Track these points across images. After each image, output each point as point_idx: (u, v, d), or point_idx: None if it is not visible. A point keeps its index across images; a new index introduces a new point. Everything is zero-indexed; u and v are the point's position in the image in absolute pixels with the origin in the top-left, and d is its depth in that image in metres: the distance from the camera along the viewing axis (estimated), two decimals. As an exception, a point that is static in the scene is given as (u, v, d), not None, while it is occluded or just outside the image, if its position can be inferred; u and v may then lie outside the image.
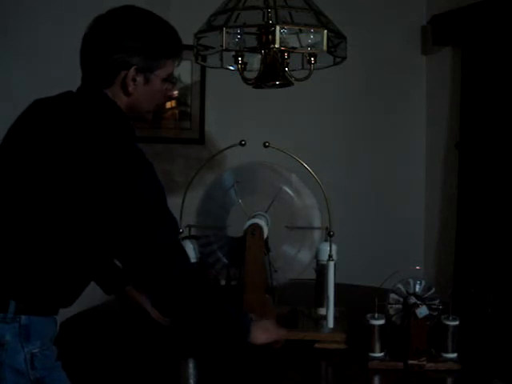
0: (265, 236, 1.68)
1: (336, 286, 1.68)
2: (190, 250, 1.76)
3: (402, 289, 1.52)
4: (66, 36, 2.57)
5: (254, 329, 1.48)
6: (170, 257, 1.34)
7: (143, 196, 1.28)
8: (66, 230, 1.27)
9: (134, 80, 1.36)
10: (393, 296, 1.52)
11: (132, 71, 1.35)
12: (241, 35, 1.80)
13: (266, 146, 1.68)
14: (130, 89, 1.36)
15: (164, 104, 1.47)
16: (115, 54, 1.34)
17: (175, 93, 1.54)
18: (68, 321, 1.79)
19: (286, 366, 1.53)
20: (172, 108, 3.01)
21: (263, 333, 1.50)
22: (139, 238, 1.29)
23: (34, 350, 1.27)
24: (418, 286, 1.51)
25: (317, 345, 1.62)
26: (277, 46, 1.70)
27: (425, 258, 3.46)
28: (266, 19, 1.76)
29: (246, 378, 1.49)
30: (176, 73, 3.21)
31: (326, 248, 1.70)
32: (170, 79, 1.44)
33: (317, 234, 1.76)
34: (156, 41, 1.38)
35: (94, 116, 1.33)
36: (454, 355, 1.50)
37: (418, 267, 1.95)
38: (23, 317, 1.26)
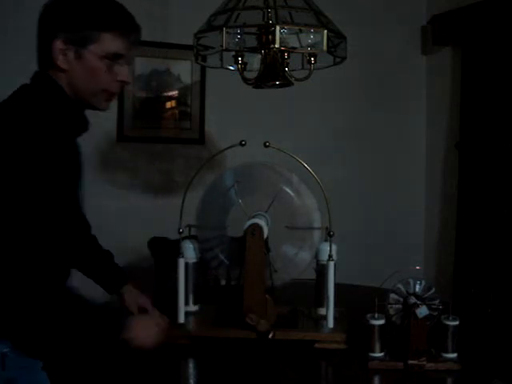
0: (265, 236, 1.68)
1: (336, 286, 1.68)
2: (190, 249, 1.76)
3: (402, 289, 1.52)
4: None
5: (131, 325, 1.33)
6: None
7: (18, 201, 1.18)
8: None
9: (65, 54, 1.29)
10: (393, 296, 1.52)
11: (58, 43, 1.28)
12: (241, 35, 1.80)
13: (266, 146, 1.68)
14: (59, 63, 1.29)
15: (117, 90, 1.37)
16: (46, 29, 1.30)
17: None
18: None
19: (286, 366, 1.53)
20: (172, 108, 3.02)
21: (142, 330, 1.36)
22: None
23: (4, 350, 1.25)
24: (418, 286, 1.51)
25: (317, 345, 1.62)
26: (277, 45, 1.70)
27: (425, 258, 3.46)
28: (266, 19, 1.75)
29: (245, 377, 1.49)
30: (176, 72, 3.22)
31: (326, 248, 1.70)
32: (116, 60, 1.33)
33: (317, 234, 1.76)
34: (85, 12, 1.30)
35: (15, 106, 1.27)
36: (454, 355, 1.50)
37: (418, 267, 1.94)
38: None
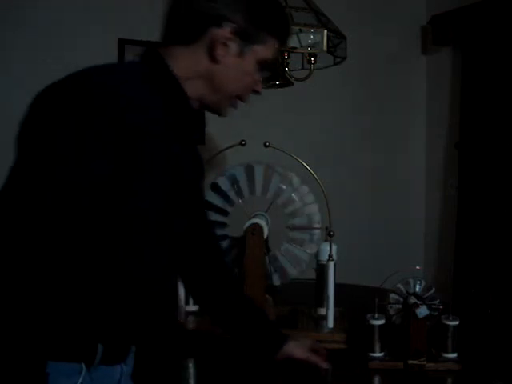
0: (265, 236, 1.68)
1: (336, 286, 1.68)
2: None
3: (402, 289, 1.52)
4: (65, 36, 2.57)
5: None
6: None
7: None
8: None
9: (226, 45, 1.08)
10: (393, 296, 1.52)
11: (226, 31, 1.07)
12: (241, 35, 1.80)
13: (266, 146, 1.68)
14: (218, 53, 1.08)
15: (247, 99, 1.25)
16: (207, 3, 1.06)
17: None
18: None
19: (286, 366, 1.53)
20: (172, 108, 3.01)
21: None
22: None
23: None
24: (418, 286, 1.51)
25: (317, 345, 1.62)
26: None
27: (425, 258, 3.46)
28: (266, 19, 1.75)
29: (245, 378, 1.49)
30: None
31: (326, 248, 1.70)
32: (263, 67, 1.17)
33: (317, 234, 1.76)
34: (264, 6, 1.12)
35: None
36: (454, 355, 1.50)
37: (417, 267, 1.94)
38: None
